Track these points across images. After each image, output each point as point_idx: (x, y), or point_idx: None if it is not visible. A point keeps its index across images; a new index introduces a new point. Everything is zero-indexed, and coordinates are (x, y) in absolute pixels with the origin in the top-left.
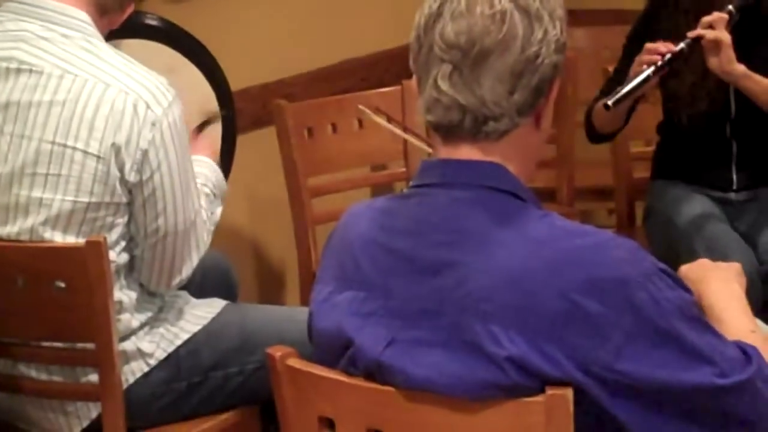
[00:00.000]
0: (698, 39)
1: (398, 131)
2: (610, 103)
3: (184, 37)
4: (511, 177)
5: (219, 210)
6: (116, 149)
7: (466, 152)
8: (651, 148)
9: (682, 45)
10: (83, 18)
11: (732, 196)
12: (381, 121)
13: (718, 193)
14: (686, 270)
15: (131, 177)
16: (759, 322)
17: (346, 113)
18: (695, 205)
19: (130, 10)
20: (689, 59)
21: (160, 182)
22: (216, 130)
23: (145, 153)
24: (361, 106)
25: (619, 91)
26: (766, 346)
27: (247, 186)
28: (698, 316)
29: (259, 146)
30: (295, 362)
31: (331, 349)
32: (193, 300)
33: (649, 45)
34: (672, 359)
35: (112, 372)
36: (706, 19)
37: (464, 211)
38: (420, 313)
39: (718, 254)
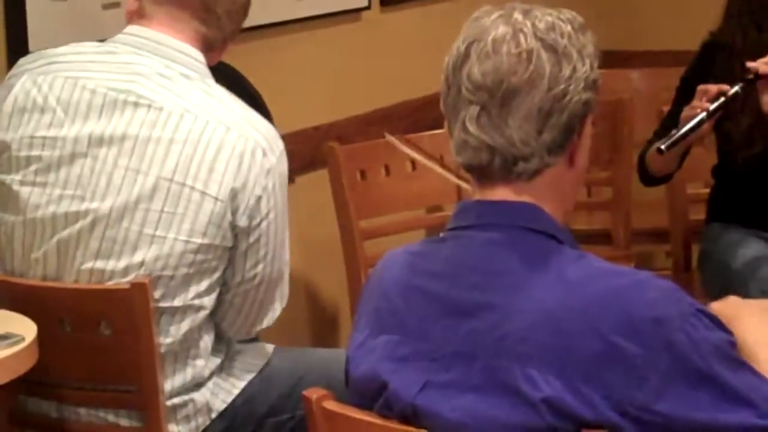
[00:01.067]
0: (752, 81)
1: (425, 161)
2: (663, 147)
3: (241, 83)
4: (546, 217)
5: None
6: (234, 193)
7: (501, 193)
8: (707, 190)
9: (736, 88)
10: (200, 58)
11: None
12: (408, 150)
13: None
14: (718, 308)
15: (242, 222)
16: None
17: (399, 155)
18: (750, 248)
19: (227, 47)
20: (745, 102)
21: (267, 229)
22: None
23: (258, 199)
24: (387, 135)
25: (672, 136)
26: None
27: (300, 228)
28: (736, 356)
29: (312, 188)
30: (331, 404)
31: (367, 393)
32: (239, 345)
33: (701, 87)
34: (711, 401)
35: (157, 416)
36: (762, 60)
37: (499, 252)
38: (455, 356)
39: None
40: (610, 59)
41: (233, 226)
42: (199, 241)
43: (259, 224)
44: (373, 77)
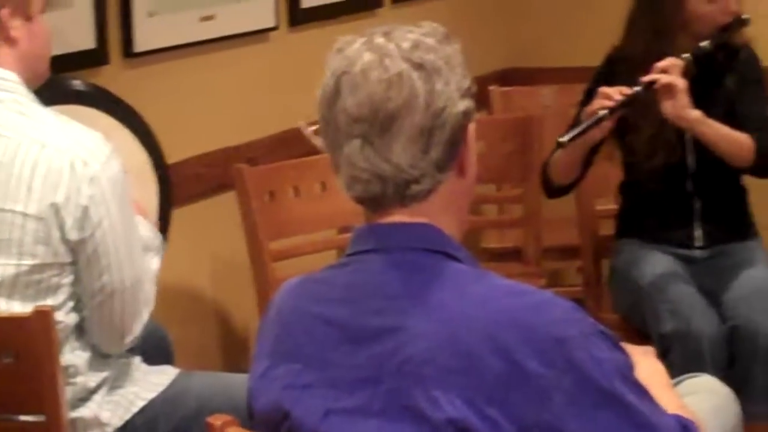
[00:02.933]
0: (652, 84)
1: None
2: (563, 139)
3: (116, 103)
4: (443, 236)
5: (155, 262)
6: (55, 209)
7: (395, 216)
8: (616, 207)
9: (636, 89)
10: (13, 78)
11: (696, 253)
12: (317, 141)
13: (682, 250)
14: None
15: (72, 235)
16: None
17: (308, 176)
18: (658, 264)
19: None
20: (646, 113)
21: (103, 238)
22: (150, 199)
23: (85, 210)
24: (300, 122)
25: (572, 129)
26: (702, 416)
27: (209, 251)
28: (637, 380)
29: (221, 210)
30: (235, 431)
31: (271, 423)
32: (145, 366)
33: (603, 89)
34: (616, 422)
35: None
36: (660, 64)
37: (397, 275)
38: (358, 382)
39: (681, 317)
40: (518, 76)
41: (65, 241)
42: (29, 262)
43: (93, 234)
44: (282, 98)
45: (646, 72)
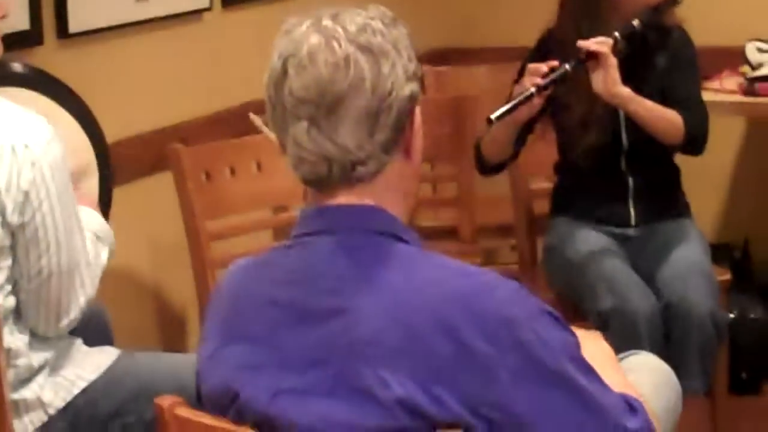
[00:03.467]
0: (582, 61)
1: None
2: (492, 117)
3: (57, 85)
4: (389, 217)
5: (105, 253)
6: None
7: (342, 198)
8: (551, 185)
9: (565, 65)
10: None
11: (630, 231)
12: (271, 134)
13: (617, 229)
14: None
15: (14, 219)
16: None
17: (244, 156)
18: (593, 242)
19: None
20: (578, 91)
21: (42, 222)
22: (92, 180)
23: (26, 194)
24: (251, 115)
25: (501, 107)
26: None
27: (146, 231)
28: (584, 359)
29: (157, 191)
30: (183, 411)
31: (219, 404)
32: (86, 347)
33: (532, 66)
34: (564, 401)
35: (4, 422)
36: (591, 41)
37: (344, 256)
38: (307, 363)
39: (617, 293)
40: (452, 56)
41: (7, 224)
42: None
43: (33, 217)
44: (216, 78)
45: (577, 46)
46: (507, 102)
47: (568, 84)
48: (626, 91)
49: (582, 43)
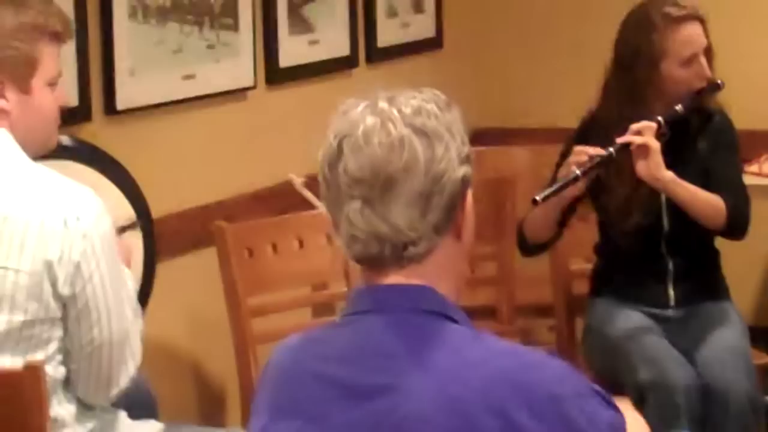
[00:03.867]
0: (627, 145)
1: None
2: (538, 198)
3: (103, 158)
4: (440, 298)
5: (139, 321)
6: (48, 265)
7: (393, 278)
8: (590, 266)
9: (610, 149)
10: (4, 135)
11: (669, 312)
12: (308, 194)
13: (656, 310)
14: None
15: (65, 291)
16: None
17: (286, 233)
18: (632, 322)
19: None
20: (621, 174)
21: (93, 293)
22: (131, 240)
23: (77, 265)
24: (291, 175)
25: (547, 188)
26: None
27: (188, 306)
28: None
29: (200, 266)
30: None
31: None
32: (129, 421)
33: (578, 148)
34: None
35: None
36: (635, 126)
37: (396, 336)
38: None
39: (656, 368)
40: (490, 136)
41: (57, 297)
42: (21, 318)
43: (83, 289)
44: (260, 155)
45: (621, 134)
46: (552, 184)
47: (612, 167)
48: (669, 175)
49: (626, 138)
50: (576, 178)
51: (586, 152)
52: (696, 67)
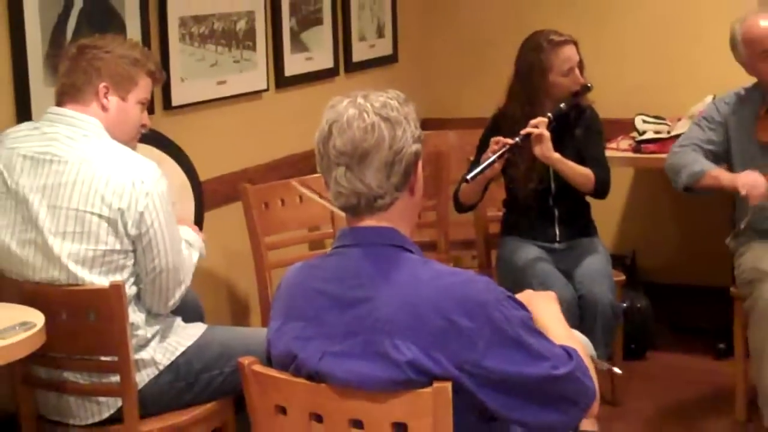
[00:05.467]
0: (528, 135)
1: (321, 201)
2: (468, 177)
3: (165, 140)
4: (400, 235)
5: (196, 256)
6: (121, 212)
7: (367, 221)
8: (501, 213)
9: (516, 139)
10: (95, 122)
11: (555, 246)
12: (309, 193)
13: (546, 244)
14: (518, 297)
15: (132, 231)
16: (574, 332)
17: (291, 192)
18: (529, 251)
19: (104, 95)
20: (522, 153)
21: (153, 235)
22: (187, 206)
23: (141, 214)
24: (294, 183)
25: (473, 170)
26: (579, 347)
27: (223, 244)
28: (535, 327)
29: (230, 216)
30: (258, 367)
31: (283, 363)
32: (183, 323)
33: (494, 138)
34: (521, 358)
35: (129, 376)
36: (533, 121)
37: (370, 262)
38: (343, 335)
39: (546, 286)
40: (432, 123)
41: (127, 235)
42: (103, 247)
43: (147, 232)
44: (271, 137)
45: (523, 127)
46: (477, 165)
47: (517, 150)
48: (557, 155)
49: (527, 131)
50: (494, 162)
51: (499, 142)
52: (573, 77)
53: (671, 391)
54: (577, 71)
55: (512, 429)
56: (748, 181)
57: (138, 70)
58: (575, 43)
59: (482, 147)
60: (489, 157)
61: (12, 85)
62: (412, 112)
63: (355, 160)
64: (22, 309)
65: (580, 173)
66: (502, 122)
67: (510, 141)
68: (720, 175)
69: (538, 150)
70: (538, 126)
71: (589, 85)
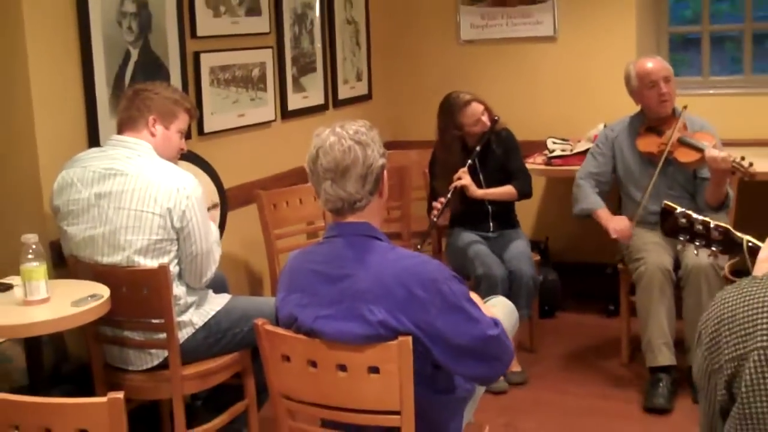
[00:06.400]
0: (456, 187)
1: None
2: (435, 220)
3: (199, 158)
4: (373, 228)
5: (219, 249)
6: (168, 210)
7: (349, 219)
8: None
9: (448, 195)
10: (146, 145)
11: (490, 234)
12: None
13: (483, 233)
14: None
15: (177, 224)
16: (503, 299)
17: (293, 196)
18: (471, 239)
19: (153, 125)
20: (461, 195)
21: (192, 227)
22: (217, 210)
23: (183, 212)
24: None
25: (436, 216)
26: (501, 317)
27: (242, 235)
28: (472, 299)
29: (248, 215)
30: (269, 327)
31: (287, 324)
32: (214, 294)
33: (434, 204)
34: (462, 321)
35: (173, 334)
36: (456, 175)
37: (351, 248)
38: (331, 302)
39: (485, 266)
40: (396, 145)
41: (173, 227)
42: (155, 237)
43: (187, 225)
44: (278, 156)
45: (450, 171)
46: (436, 213)
47: (454, 198)
48: (480, 192)
49: (453, 185)
50: (442, 211)
51: (438, 204)
52: (480, 124)
53: (574, 341)
54: (483, 118)
55: (455, 377)
56: (617, 227)
57: (178, 108)
58: (480, 101)
59: (432, 168)
60: (436, 213)
61: (85, 119)
62: (376, 135)
63: (338, 174)
64: (92, 285)
65: (504, 193)
66: (438, 157)
67: (443, 200)
68: (601, 216)
69: (467, 191)
70: (461, 176)
71: (496, 118)
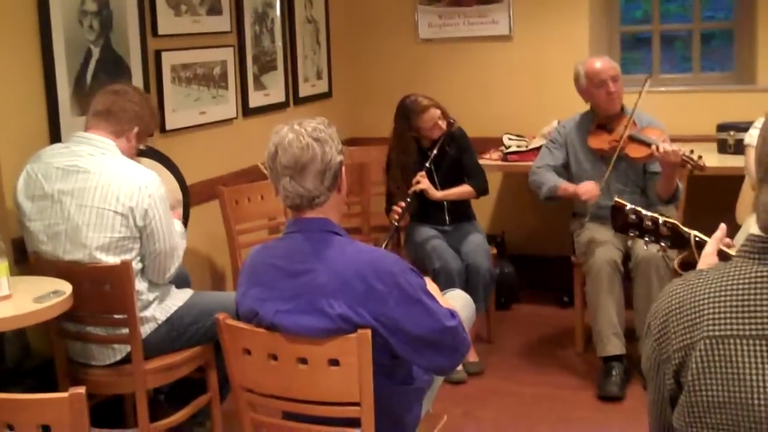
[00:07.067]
0: (415, 192)
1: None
2: (396, 224)
3: (161, 155)
4: (332, 223)
5: (184, 243)
6: (130, 209)
7: (308, 214)
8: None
9: (408, 200)
10: (110, 143)
11: (447, 228)
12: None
13: (440, 227)
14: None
15: (139, 223)
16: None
17: (254, 192)
18: (429, 234)
19: (133, 136)
20: (419, 196)
21: (154, 226)
22: (180, 207)
23: (145, 210)
24: (260, 164)
25: (397, 220)
26: (458, 309)
27: (204, 231)
28: (429, 292)
29: (210, 210)
30: (230, 321)
31: (247, 318)
32: (176, 289)
33: (394, 207)
34: (420, 313)
35: (135, 329)
36: (415, 179)
37: (310, 243)
38: (291, 297)
39: (443, 260)
40: (355, 141)
41: (135, 225)
42: (117, 235)
43: (150, 223)
44: (239, 152)
45: (408, 173)
46: (397, 218)
47: (413, 200)
48: (439, 194)
49: (412, 189)
50: (403, 213)
51: (398, 208)
52: (436, 128)
53: (530, 332)
54: (440, 122)
55: (414, 368)
56: (584, 189)
57: (153, 124)
58: (437, 106)
59: (388, 171)
60: (397, 218)
61: (47, 117)
62: (334, 132)
63: (297, 171)
64: (55, 281)
65: (464, 192)
66: (393, 158)
67: (403, 204)
68: (568, 187)
69: (427, 194)
70: (419, 180)
71: (452, 121)
